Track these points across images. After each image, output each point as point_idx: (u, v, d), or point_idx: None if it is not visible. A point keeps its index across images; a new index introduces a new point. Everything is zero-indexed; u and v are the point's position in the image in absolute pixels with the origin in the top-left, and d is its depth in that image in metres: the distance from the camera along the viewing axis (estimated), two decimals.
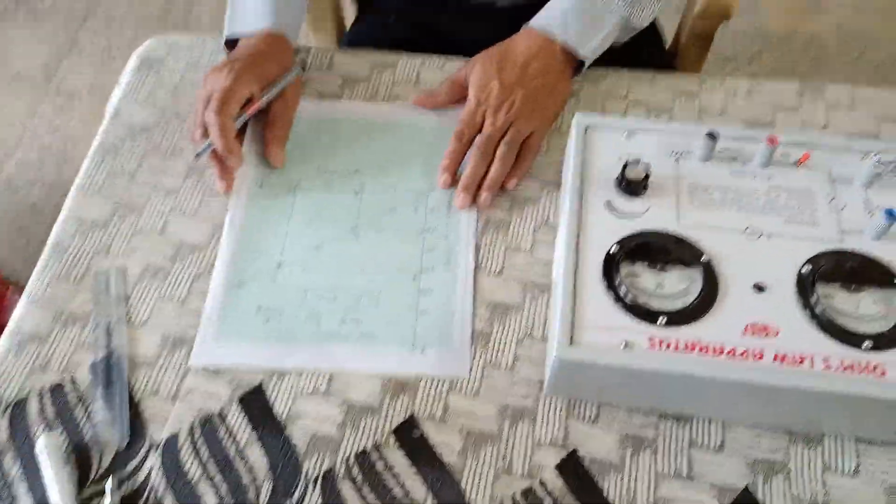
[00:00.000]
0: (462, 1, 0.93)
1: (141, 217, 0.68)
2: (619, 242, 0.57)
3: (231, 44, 0.76)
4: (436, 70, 0.77)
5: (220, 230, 0.66)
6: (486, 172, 0.67)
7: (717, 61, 1.73)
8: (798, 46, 1.78)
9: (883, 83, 1.67)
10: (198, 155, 0.67)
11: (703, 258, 0.56)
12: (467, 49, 0.75)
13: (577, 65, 0.73)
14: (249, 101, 0.69)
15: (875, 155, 0.59)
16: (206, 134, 0.67)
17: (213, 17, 1.87)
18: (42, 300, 0.63)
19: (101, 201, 0.69)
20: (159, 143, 0.73)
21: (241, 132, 0.71)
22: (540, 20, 0.73)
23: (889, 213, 0.56)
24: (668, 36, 0.99)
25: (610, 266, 0.56)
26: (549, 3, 0.74)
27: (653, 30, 0.95)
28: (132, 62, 0.80)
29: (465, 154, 0.69)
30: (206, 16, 1.87)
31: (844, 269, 0.56)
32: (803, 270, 0.56)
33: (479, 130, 0.69)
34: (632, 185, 0.59)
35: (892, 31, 1.79)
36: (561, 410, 0.57)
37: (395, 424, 0.56)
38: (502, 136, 0.68)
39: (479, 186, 0.67)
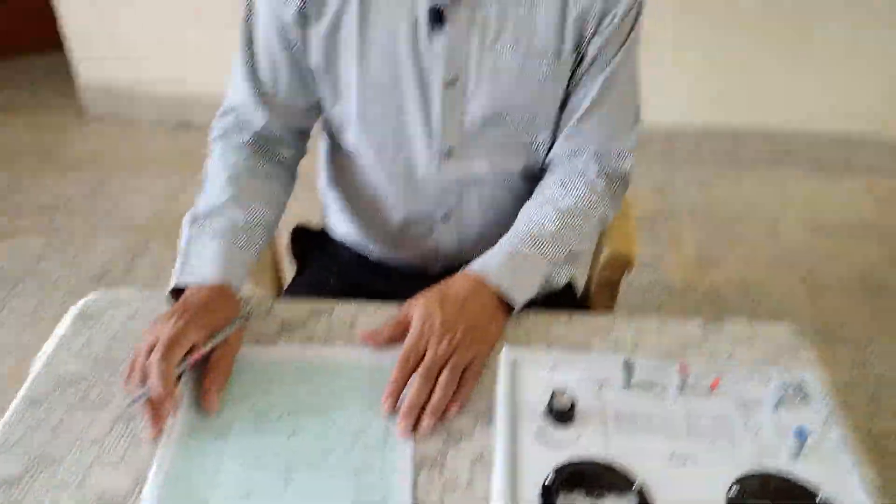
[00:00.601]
0: (396, 267, 1.02)
1: (59, 470, 0.65)
2: (554, 472, 0.58)
3: (176, 294, 0.79)
4: (371, 315, 0.82)
5: (145, 480, 0.64)
6: (428, 399, 0.69)
7: (625, 311, 1.86)
8: (698, 298, 1.95)
9: None
10: (133, 402, 0.67)
11: (636, 486, 0.58)
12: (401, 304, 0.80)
13: (507, 308, 0.80)
14: (192, 349, 0.71)
15: (777, 380, 0.65)
16: (143, 380, 0.67)
17: (150, 282, 1.92)
18: None
19: (14, 457, 0.66)
20: (87, 394, 0.72)
21: (177, 377, 0.71)
22: (476, 267, 0.81)
23: (798, 432, 0.60)
24: (580, 284, 1.10)
25: (548, 497, 0.57)
26: (482, 256, 0.83)
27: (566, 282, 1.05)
28: (71, 314, 0.82)
29: (409, 381, 0.71)
30: (143, 280, 1.93)
31: (769, 490, 0.58)
32: (731, 493, 0.58)
33: (423, 358, 0.72)
34: (560, 415, 0.62)
35: (780, 283, 2.01)
36: None
37: None
38: (443, 365, 0.71)
39: (421, 412, 0.68)
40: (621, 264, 1.02)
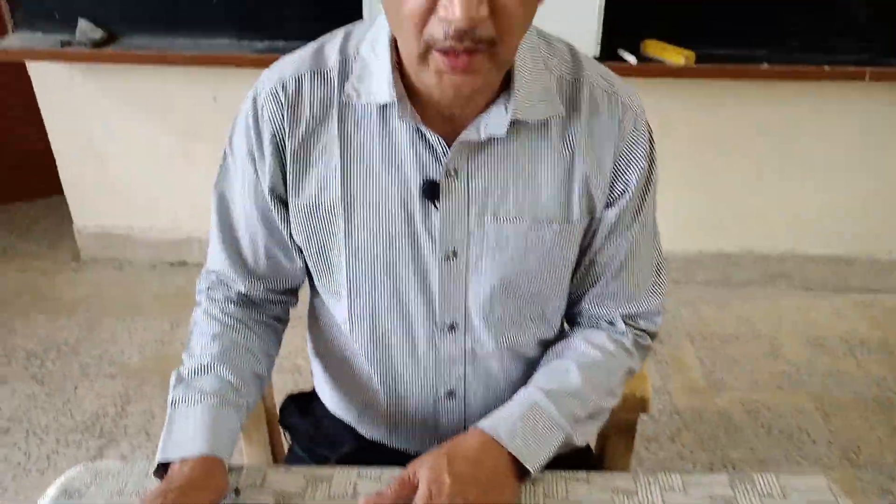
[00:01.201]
0: (394, 448, 0.93)
1: None
2: None
3: (162, 468, 0.74)
4: (373, 481, 0.76)
5: None
6: None
7: (641, 441, 1.79)
8: (711, 422, 1.89)
9: (797, 468, 1.75)
10: None
11: None
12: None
13: (521, 470, 0.74)
14: None
15: None
16: None
17: (143, 427, 1.85)
18: None
19: None
20: None
21: None
22: (490, 424, 0.75)
23: None
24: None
25: None
26: (499, 410, 0.77)
27: None
28: (52, 491, 0.76)
29: None
30: (136, 426, 1.85)
31: None
32: None
33: None
34: None
35: (790, 403, 1.94)
36: None
37: None
38: None
39: None
40: (636, 406, 0.97)
